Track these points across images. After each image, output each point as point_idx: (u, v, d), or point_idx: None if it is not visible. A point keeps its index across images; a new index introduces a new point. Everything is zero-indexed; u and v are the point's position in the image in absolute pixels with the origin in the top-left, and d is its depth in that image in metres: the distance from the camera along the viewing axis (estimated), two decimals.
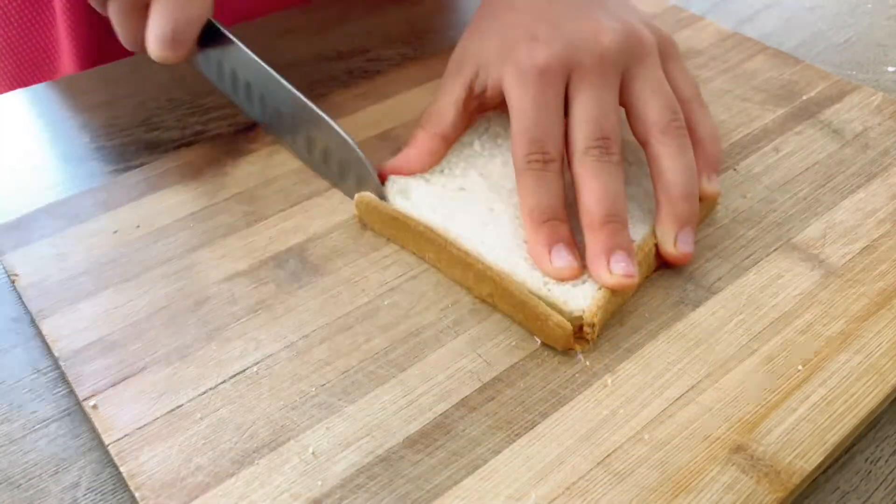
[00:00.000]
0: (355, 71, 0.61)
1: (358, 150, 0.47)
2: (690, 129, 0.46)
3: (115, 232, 0.47)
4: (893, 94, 0.60)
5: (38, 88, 0.59)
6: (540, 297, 0.41)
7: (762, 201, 0.50)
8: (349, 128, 0.54)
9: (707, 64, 0.62)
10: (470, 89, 0.48)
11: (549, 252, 0.43)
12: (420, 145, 0.49)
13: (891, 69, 0.64)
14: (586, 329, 0.41)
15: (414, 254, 0.46)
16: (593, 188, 0.43)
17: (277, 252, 0.46)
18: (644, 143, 0.46)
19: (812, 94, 0.59)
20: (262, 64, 0.50)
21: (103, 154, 0.53)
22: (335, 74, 0.60)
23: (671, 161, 0.44)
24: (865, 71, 0.63)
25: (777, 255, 0.46)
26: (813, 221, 0.48)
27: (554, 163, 0.44)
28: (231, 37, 0.49)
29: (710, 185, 0.47)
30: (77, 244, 0.46)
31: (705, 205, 0.47)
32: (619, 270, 0.42)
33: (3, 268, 0.45)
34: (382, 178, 0.48)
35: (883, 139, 0.55)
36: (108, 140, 0.54)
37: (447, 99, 0.49)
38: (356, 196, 0.47)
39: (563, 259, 0.43)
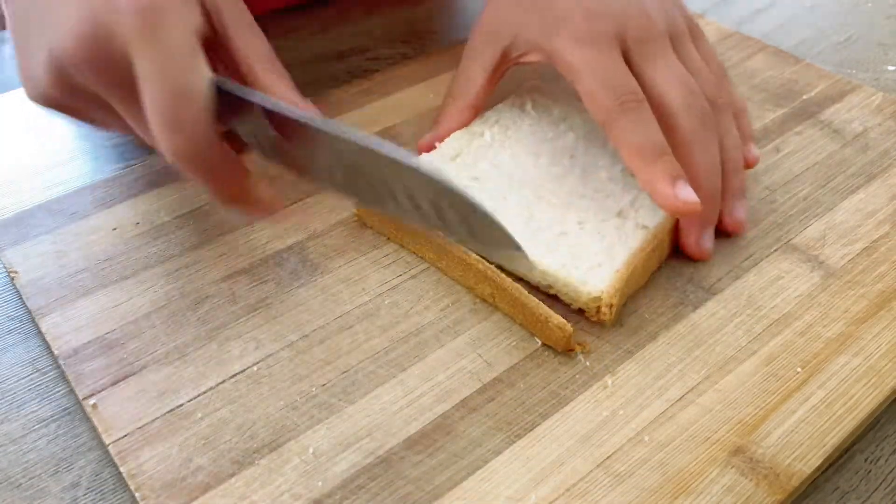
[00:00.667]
0: (355, 70, 0.61)
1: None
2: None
3: (115, 229, 0.47)
4: (893, 93, 0.60)
5: None
6: (558, 279, 0.42)
7: (762, 202, 0.50)
8: (349, 125, 0.54)
9: None
10: (504, 55, 0.49)
11: (674, 186, 0.42)
12: (451, 119, 0.50)
13: (891, 68, 0.64)
14: (604, 310, 0.41)
15: (414, 253, 0.45)
16: (701, 156, 0.44)
17: (277, 250, 0.46)
18: (670, 130, 0.44)
19: (812, 93, 0.59)
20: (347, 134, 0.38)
21: (103, 152, 0.53)
22: (335, 74, 0.60)
23: (702, 156, 0.44)
24: (865, 70, 0.63)
25: (777, 256, 0.46)
26: (813, 222, 0.48)
27: (646, 104, 0.44)
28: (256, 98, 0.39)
29: (751, 152, 0.49)
30: (76, 241, 0.46)
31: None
32: (707, 247, 0.45)
33: (3, 265, 0.45)
34: (420, 150, 0.50)
35: (883, 139, 0.55)
36: (108, 139, 0.54)
37: (477, 66, 0.50)
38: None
39: (689, 192, 0.42)
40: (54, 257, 0.45)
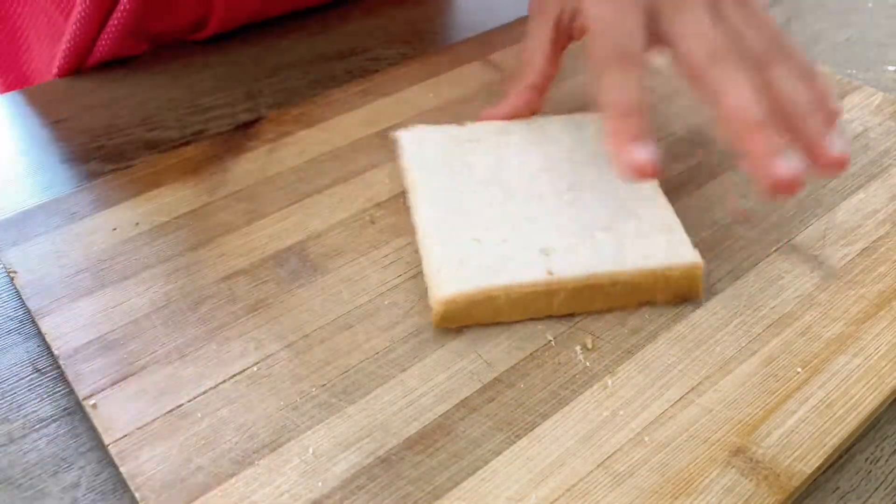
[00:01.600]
0: (355, 70, 0.61)
1: None
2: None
3: (115, 229, 0.47)
4: (893, 93, 0.60)
5: (39, 87, 0.59)
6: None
7: (762, 201, 0.50)
8: (349, 125, 0.54)
9: None
10: (558, 24, 0.50)
11: (627, 145, 0.41)
12: (514, 101, 0.51)
13: (891, 68, 0.64)
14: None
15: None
16: (743, 89, 0.40)
17: (277, 250, 0.46)
18: (697, 80, 0.43)
19: None
20: None
21: (103, 153, 0.53)
22: (335, 74, 0.60)
23: (785, 82, 0.42)
24: (866, 70, 0.63)
25: (777, 257, 0.46)
26: (813, 222, 0.48)
27: (639, 65, 0.43)
28: None
29: (836, 105, 0.43)
30: (76, 242, 0.46)
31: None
32: (790, 170, 0.39)
33: (2, 265, 0.45)
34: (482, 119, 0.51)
35: (883, 139, 0.55)
36: (109, 139, 0.54)
37: (534, 44, 0.50)
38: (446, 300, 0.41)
39: (642, 152, 0.40)
40: (54, 257, 0.45)
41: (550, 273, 0.42)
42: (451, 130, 0.50)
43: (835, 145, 0.40)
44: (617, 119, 0.42)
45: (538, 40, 0.50)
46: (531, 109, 0.51)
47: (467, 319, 0.41)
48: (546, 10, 0.50)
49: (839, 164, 0.41)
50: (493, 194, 0.46)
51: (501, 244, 0.43)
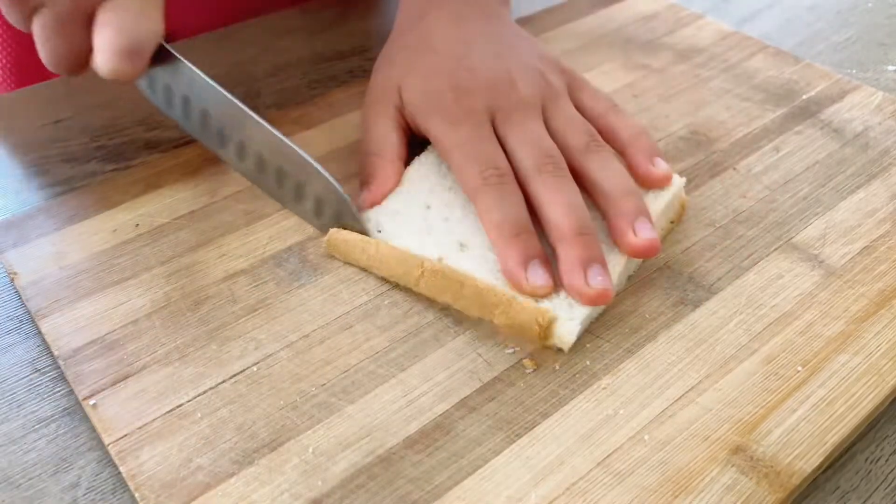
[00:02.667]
0: (355, 70, 0.61)
1: (342, 191, 0.45)
2: (614, 137, 0.48)
3: (115, 231, 0.47)
4: (894, 93, 0.60)
5: (39, 87, 0.59)
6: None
7: (762, 201, 0.50)
8: (348, 125, 0.54)
9: (707, 63, 0.62)
10: (401, 115, 0.50)
11: (525, 269, 0.42)
12: (384, 176, 0.48)
13: (891, 68, 0.64)
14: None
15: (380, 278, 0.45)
16: (558, 202, 0.43)
17: (277, 251, 0.46)
18: (573, 169, 0.46)
19: (812, 93, 0.59)
20: (223, 92, 0.46)
21: (103, 153, 0.53)
22: (335, 74, 0.60)
23: (604, 172, 0.45)
24: (866, 70, 0.63)
25: (777, 255, 0.46)
26: (813, 221, 0.48)
27: (510, 177, 0.45)
28: (183, 60, 0.46)
29: (658, 168, 0.47)
30: (76, 243, 0.46)
31: (673, 205, 0.47)
32: (598, 284, 0.41)
33: (2, 266, 0.45)
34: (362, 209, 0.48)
35: (883, 139, 0.55)
36: (109, 139, 0.54)
37: (385, 123, 0.50)
38: (331, 234, 0.45)
39: (539, 276, 0.42)
40: (54, 258, 0.45)
41: (440, 259, 0.43)
42: None
43: (641, 232, 0.43)
44: (504, 242, 0.43)
45: (387, 122, 0.50)
46: (398, 182, 0.48)
47: (348, 257, 0.45)
48: (388, 99, 0.50)
49: (645, 250, 0.43)
50: None
51: (436, 220, 0.46)
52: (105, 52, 0.43)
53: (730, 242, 0.47)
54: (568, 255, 0.42)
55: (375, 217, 0.46)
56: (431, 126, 0.48)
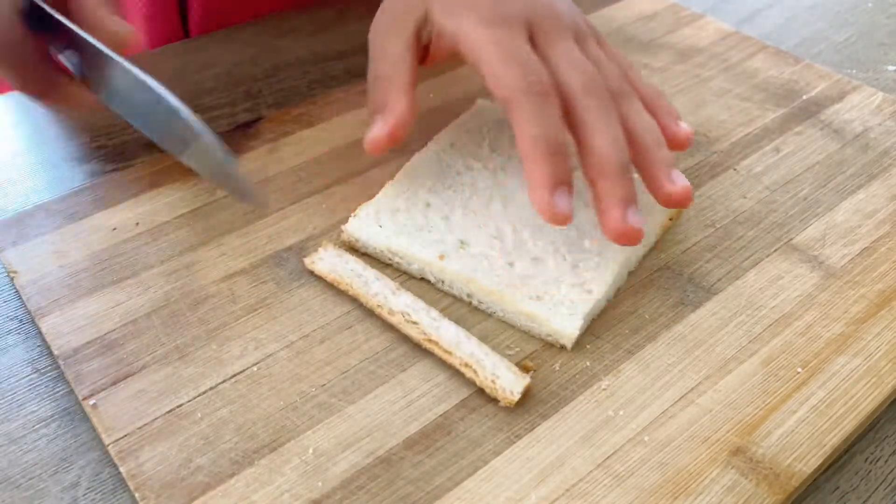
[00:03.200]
0: (355, 70, 0.61)
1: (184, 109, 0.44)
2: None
3: (114, 229, 0.47)
4: (894, 93, 0.60)
5: None
6: (525, 313, 0.41)
7: (762, 202, 0.50)
8: (349, 125, 0.54)
9: (707, 63, 0.62)
10: (417, 34, 0.47)
11: (553, 193, 0.40)
12: (397, 102, 0.46)
13: (891, 68, 0.64)
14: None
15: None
16: (605, 132, 0.41)
17: (277, 250, 0.46)
18: (570, 111, 0.43)
19: (812, 93, 0.59)
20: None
21: (103, 152, 0.53)
22: (335, 74, 0.60)
23: (639, 118, 0.43)
24: (866, 70, 0.63)
25: (777, 256, 0.46)
26: (813, 222, 0.48)
27: (554, 92, 0.42)
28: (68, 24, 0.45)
29: (682, 129, 0.46)
30: (76, 241, 0.46)
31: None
32: (636, 223, 0.40)
33: (3, 265, 0.45)
34: (375, 150, 0.46)
35: (883, 139, 0.55)
36: (109, 139, 0.54)
37: (400, 43, 0.47)
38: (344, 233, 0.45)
39: (565, 204, 0.40)
40: (54, 257, 0.45)
41: (441, 258, 0.43)
42: None
43: (677, 181, 0.42)
44: (537, 159, 0.40)
45: (402, 41, 0.47)
46: (413, 116, 0.46)
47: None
48: (408, 14, 0.47)
49: (682, 198, 0.42)
50: (482, 183, 0.48)
51: (436, 218, 0.45)
52: None
53: (730, 243, 0.47)
54: (610, 191, 0.40)
55: (375, 214, 0.46)
56: (464, 23, 0.44)
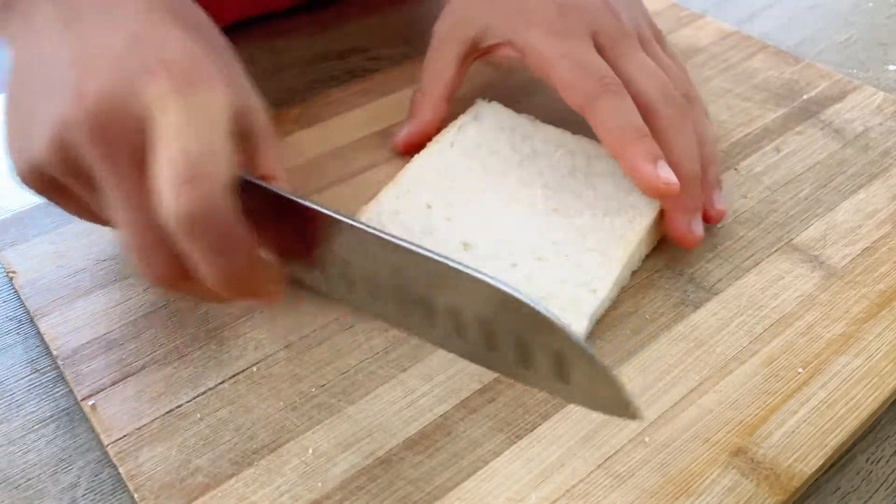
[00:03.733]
0: (355, 70, 0.60)
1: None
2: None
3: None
4: (894, 93, 0.60)
5: None
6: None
7: (763, 202, 0.50)
8: (349, 125, 0.54)
9: (707, 62, 0.62)
10: (473, 46, 0.50)
11: (655, 165, 0.42)
12: (426, 112, 0.51)
13: (891, 68, 0.64)
14: None
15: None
16: (683, 143, 0.44)
17: None
18: (650, 120, 0.44)
19: (813, 93, 0.59)
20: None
21: None
22: (335, 74, 0.60)
23: (681, 143, 0.44)
24: (866, 70, 0.63)
25: (778, 257, 0.46)
26: (814, 222, 0.48)
27: (626, 91, 0.44)
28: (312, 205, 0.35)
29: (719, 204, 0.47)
30: (75, 241, 0.46)
31: None
32: (698, 233, 0.44)
33: (1, 265, 0.45)
34: (401, 151, 0.51)
35: (884, 139, 0.54)
36: None
37: (446, 56, 0.50)
38: None
39: (670, 173, 0.42)
40: (53, 257, 0.45)
41: None
42: (518, 119, 0.51)
43: (717, 205, 0.47)
44: (630, 145, 0.42)
45: (450, 55, 0.50)
46: (442, 123, 0.51)
47: None
48: (465, 28, 0.50)
49: (715, 220, 0.47)
50: (484, 184, 0.47)
51: (439, 220, 0.45)
52: (165, 187, 0.30)
53: (730, 243, 0.47)
54: (681, 203, 0.44)
55: (377, 217, 0.46)
56: (530, 37, 0.46)
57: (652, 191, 0.42)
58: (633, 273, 0.45)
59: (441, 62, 0.50)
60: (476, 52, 0.50)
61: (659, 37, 0.51)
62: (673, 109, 0.44)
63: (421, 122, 0.51)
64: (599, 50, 0.46)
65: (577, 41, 0.45)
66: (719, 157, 0.49)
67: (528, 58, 0.47)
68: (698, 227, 0.44)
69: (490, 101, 0.52)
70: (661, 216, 0.45)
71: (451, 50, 0.50)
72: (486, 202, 0.46)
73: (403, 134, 0.51)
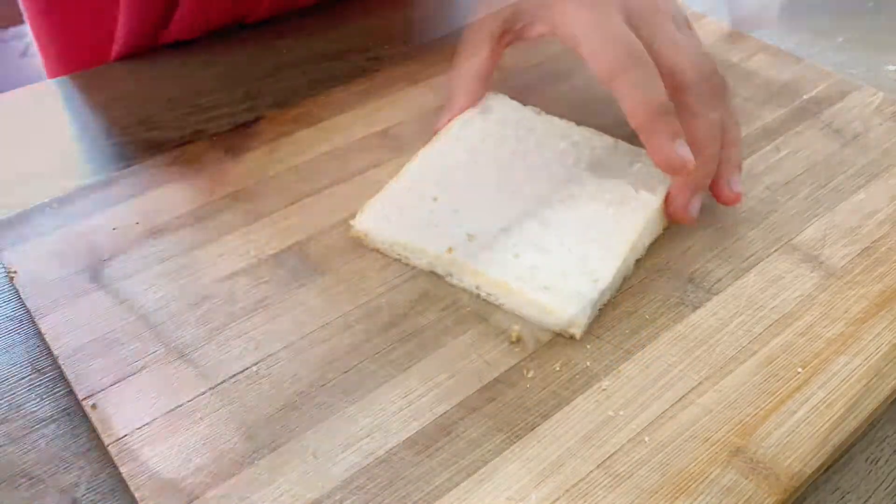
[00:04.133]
0: (355, 70, 0.61)
1: None
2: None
3: (115, 229, 0.47)
4: (894, 93, 0.60)
5: (39, 87, 0.59)
6: (534, 304, 0.41)
7: (763, 202, 0.50)
8: (349, 125, 0.54)
9: None
10: (506, 27, 0.50)
11: (674, 142, 0.43)
12: (462, 95, 0.51)
13: (892, 68, 0.64)
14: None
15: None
16: (711, 121, 0.44)
17: (277, 251, 0.46)
18: (680, 94, 0.46)
19: (813, 93, 0.59)
20: None
21: (103, 153, 0.53)
22: (335, 74, 0.60)
23: (707, 120, 0.45)
24: (866, 70, 0.63)
25: (777, 256, 0.46)
26: (813, 222, 0.48)
27: (654, 65, 0.44)
28: None
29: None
30: (76, 241, 0.46)
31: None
32: (695, 213, 0.46)
33: (2, 264, 0.45)
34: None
35: (883, 139, 0.55)
36: (108, 139, 0.54)
37: (480, 39, 0.51)
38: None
39: (687, 151, 0.43)
40: (54, 257, 0.45)
41: (449, 251, 0.43)
42: (524, 111, 0.52)
43: (735, 187, 0.47)
44: (652, 120, 0.43)
45: (485, 37, 0.51)
46: (477, 100, 0.52)
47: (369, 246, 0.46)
48: (498, 10, 0.50)
49: (731, 202, 0.47)
50: (489, 175, 0.48)
51: (444, 212, 0.46)
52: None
53: (730, 243, 0.47)
54: (698, 171, 0.45)
55: (383, 208, 0.46)
56: (558, 12, 0.47)
57: (668, 167, 0.43)
58: (635, 269, 0.45)
59: (474, 42, 0.51)
60: (510, 32, 0.51)
61: (689, 24, 0.51)
62: (704, 87, 0.45)
63: (457, 107, 0.51)
64: (632, 26, 0.46)
65: (607, 14, 0.45)
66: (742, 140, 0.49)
67: (559, 29, 0.47)
68: (696, 207, 0.46)
69: (496, 93, 0.53)
70: (665, 204, 0.46)
71: (485, 29, 0.51)
72: (490, 193, 0.47)
73: (441, 121, 0.51)
